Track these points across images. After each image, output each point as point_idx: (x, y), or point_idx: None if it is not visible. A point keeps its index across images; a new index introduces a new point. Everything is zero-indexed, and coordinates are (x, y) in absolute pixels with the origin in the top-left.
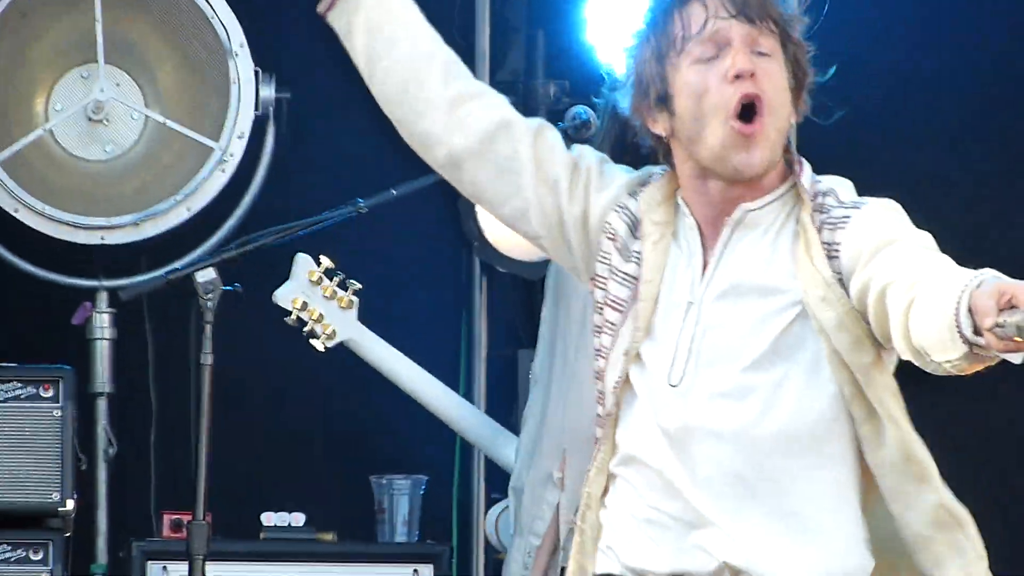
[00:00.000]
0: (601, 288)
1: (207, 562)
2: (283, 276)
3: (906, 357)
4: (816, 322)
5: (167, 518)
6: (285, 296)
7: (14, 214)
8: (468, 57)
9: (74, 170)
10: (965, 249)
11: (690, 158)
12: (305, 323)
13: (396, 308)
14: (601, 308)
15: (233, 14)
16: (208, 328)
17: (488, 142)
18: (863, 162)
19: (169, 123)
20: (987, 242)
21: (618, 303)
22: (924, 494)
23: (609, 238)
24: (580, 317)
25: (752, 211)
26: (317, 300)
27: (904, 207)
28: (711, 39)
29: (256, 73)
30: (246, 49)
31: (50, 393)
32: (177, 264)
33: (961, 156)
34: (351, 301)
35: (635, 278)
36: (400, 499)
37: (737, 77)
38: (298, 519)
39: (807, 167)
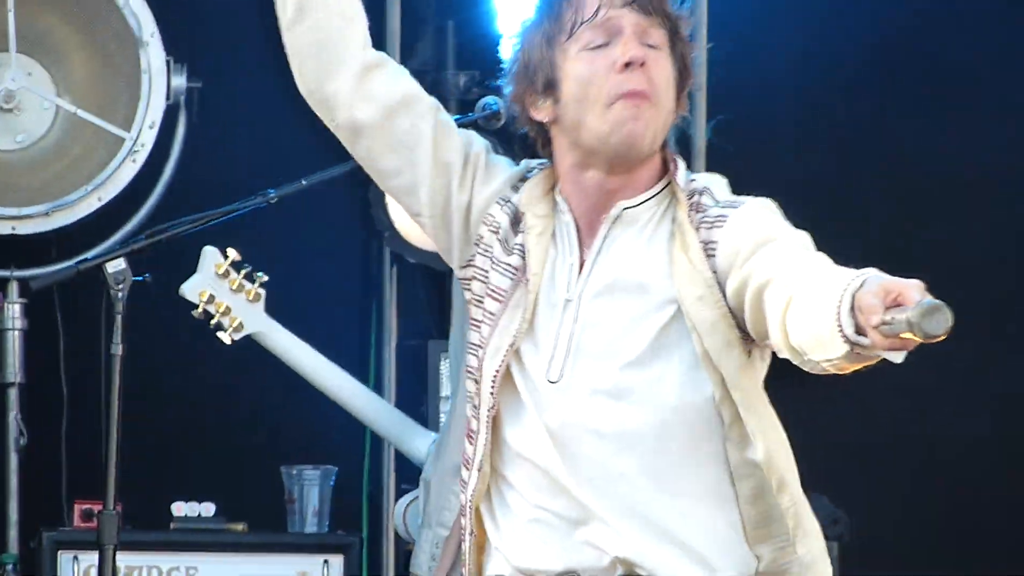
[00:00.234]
0: (481, 280)
1: (118, 552)
2: (193, 266)
3: (784, 355)
4: (689, 321)
5: (78, 508)
6: (192, 289)
7: None
8: (378, 46)
9: None
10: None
11: (572, 147)
12: (212, 316)
13: (306, 298)
14: (481, 300)
15: (144, 3)
16: (119, 318)
17: (391, 115)
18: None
19: (80, 113)
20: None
21: (498, 293)
22: (780, 500)
23: (492, 231)
24: None
25: (629, 208)
26: (224, 293)
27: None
28: (602, 26)
29: (167, 62)
30: (157, 38)
31: None
32: (88, 254)
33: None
34: (258, 294)
35: (517, 269)
36: (310, 489)
37: (627, 65)
38: (208, 509)
39: (682, 165)
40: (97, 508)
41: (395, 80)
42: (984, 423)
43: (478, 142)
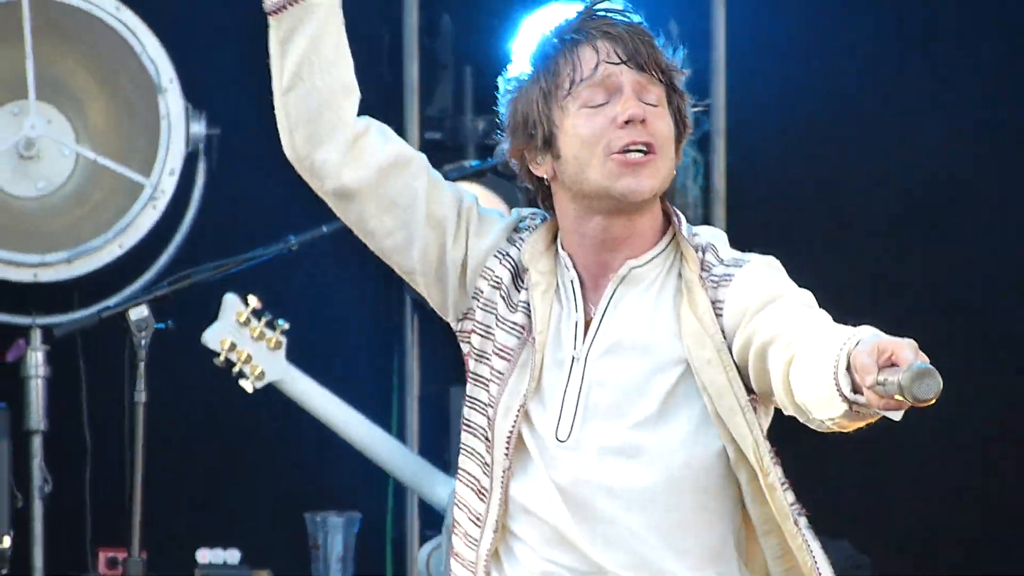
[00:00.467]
0: (483, 335)
1: None
2: (215, 313)
3: (788, 413)
4: (699, 381)
5: (103, 555)
6: (213, 337)
7: None
8: (397, 92)
9: (6, 207)
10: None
11: (573, 199)
12: (234, 364)
13: (328, 345)
14: (488, 357)
15: (163, 50)
16: (141, 365)
17: (384, 177)
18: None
19: (100, 159)
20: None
21: (506, 352)
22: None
23: (493, 286)
24: None
25: (637, 267)
26: (245, 341)
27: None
28: (601, 84)
29: (186, 109)
30: (176, 85)
31: None
32: (110, 301)
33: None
34: (279, 341)
35: (523, 327)
36: (335, 536)
37: (627, 123)
38: (233, 556)
39: (684, 220)
40: (122, 556)
41: (383, 143)
42: (1009, 466)
43: (468, 196)
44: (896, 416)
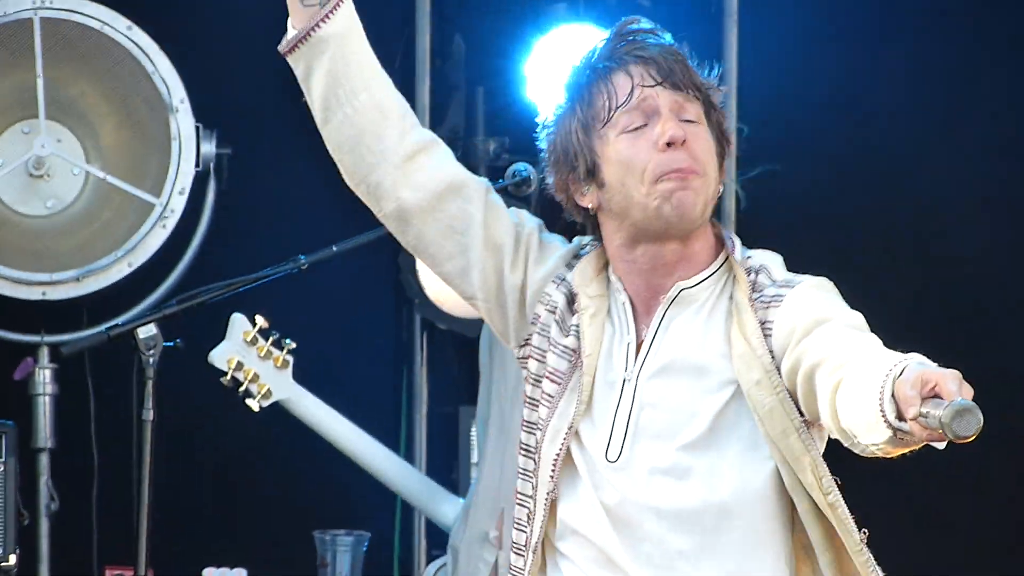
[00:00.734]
0: (539, 360)
1: None
2: (224, 332)
3: (834, 436)
4: (750, 403)
5: (109, 573)
6: (220, 356)
7: None
8: None
9: (15, 225)
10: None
11: (620, 227)
12: (240, 383)
13: (338, 364)
14: (539, 380)
15: (174, 70)
16: (150, 384)
17: (439, 201)
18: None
19: (110, 179)
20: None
21: (556, 375)
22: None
23: (549, 310)
24: (515, 375)
25: (687, 289)
26: (252, 360)
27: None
28: (638, 108)
29: (197, 129)
30: (187, 105)
31: None
32: (118, 320)
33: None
34: (286, 361)
35: (573, 350)
36: (343, 555)
37: (668, 145)
38: (240, 575)
39: (738, 242)
40: (128, 574)
41: (440, 166)
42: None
43: (530, 222)
44: (941, 445)
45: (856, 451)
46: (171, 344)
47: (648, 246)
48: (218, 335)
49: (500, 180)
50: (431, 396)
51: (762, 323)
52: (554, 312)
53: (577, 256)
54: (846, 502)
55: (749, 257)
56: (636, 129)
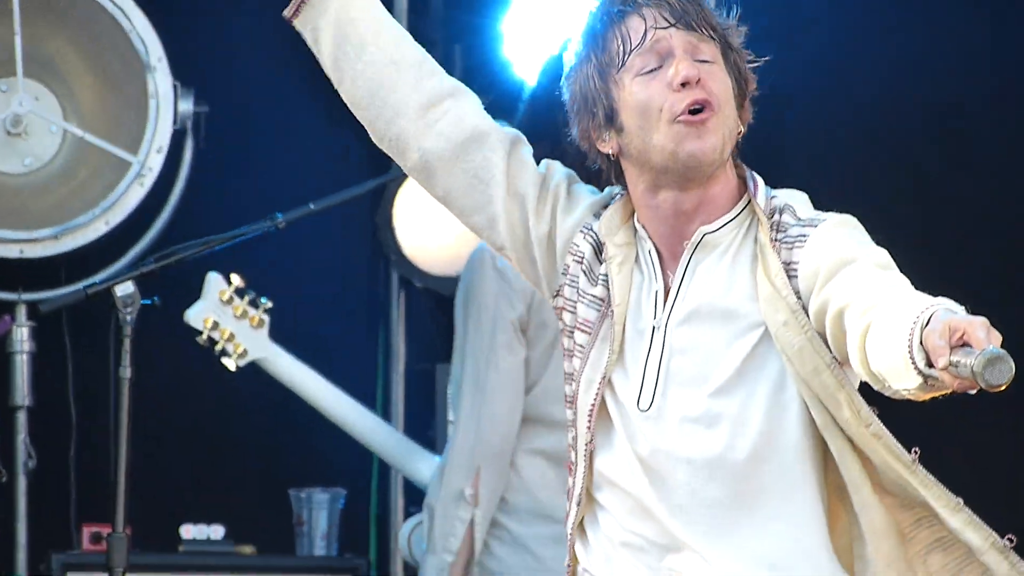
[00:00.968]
0: (570, 312)
1: (127, 574)
2: (201, 290)
3: (864, 379)
4: (779, 344)
5: (87, 531)
6: (196, 316)
7: None
8: None
9: None
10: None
11: (642, 172)
12: (216, 342)
13: (314, 322)
14: (572, 332)
15: (152, 28)
16: (127, 341)
17: (461, 151)
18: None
19: (88, 137)
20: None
21: (586, 325)
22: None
23: (576, 260)
24: (490, 331)
25: (710, 233)
26: (228, 319)
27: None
28: (652, 50)
29: (175, 87)
30: (164, 63)
31: None
32: (96, 277)
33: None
34: (262, 320)
35: (602, 300)
36: (319, 512)
37: (683, 85)
38: (217, 532)
39: (761, 183)
40: (106, 531)
41: (463, 115)
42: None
43: (559, 172)
44: (972, 391)
45: (887, 394)
46: (148, 302)
47: (669, 192)
48: (196, 293)
49: None
50: (408, 354)
51: (786, 264)
52: (581, 262)
53: (606, 205)
54: None
55: (773, 197)
56: (650, 71)
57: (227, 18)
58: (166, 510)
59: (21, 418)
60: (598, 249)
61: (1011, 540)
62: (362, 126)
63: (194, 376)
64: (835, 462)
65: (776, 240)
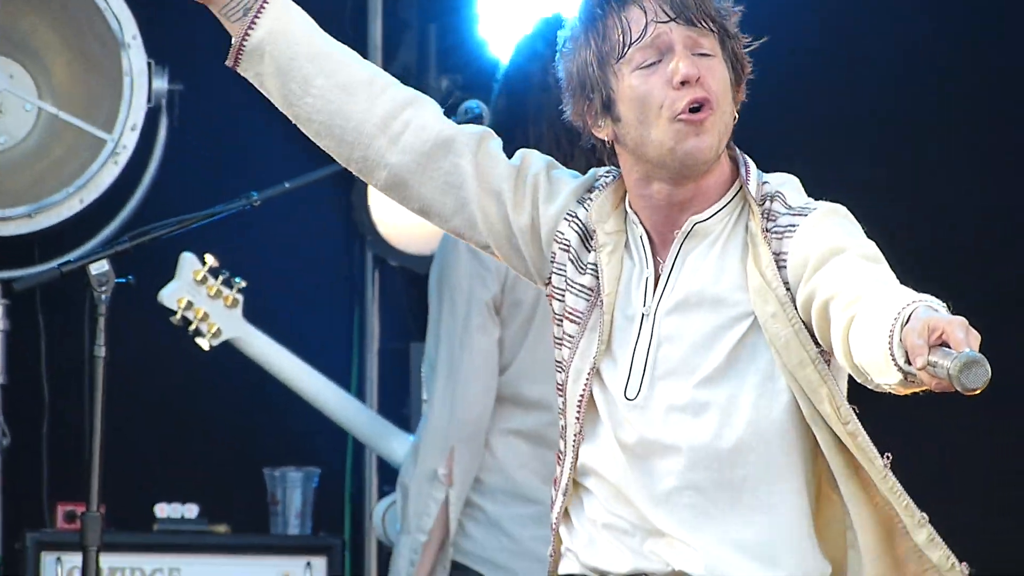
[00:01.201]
0: (559, 300)
1: (101, 553)
2: (176, 269)
3: (847, 371)
4: (768, 335)
5: (61, 509)
6: (170, 296)
7: None
8: (361, 51)
9: None
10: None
11: (637, 163)
12: (190, 322)
13: (288, 301)
14: (560, 320)
15: (126, 6)
16: (101, 320)
17: (429, 160)
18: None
19: (62, 115)
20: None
21: (575, 315)
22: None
23: (563, 249)
24: (464, 312)
25: (700, 222)
26: (202, 299)
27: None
28: (652, 45)
29: (149, 65)
30: (139, 41)
31: None
32: (70, 256)
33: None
34: (236, 299)
35: (591, 289)
36: (293, 491)
37: (683, 83)
38: (191, 510)
39: (753, 168)
40: (80, 509)
41: (424, 125)
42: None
43: (536, 163)
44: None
45: (869, 387)
46: (123, 280)
47: (663, 184)
48: (169, 272)
49: (453, 117)
50: (382, 333)
51: (776, 254)
52: (568, 250)
53: (591, 189)
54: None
55: (765, 183)
56: (650, 65)
57: None
58: (140, 489)
59: None
60: (585, 236)
61: (968, 567)
62: None
63: (168, 355)
64: (823, 454)
65: (767, 230)
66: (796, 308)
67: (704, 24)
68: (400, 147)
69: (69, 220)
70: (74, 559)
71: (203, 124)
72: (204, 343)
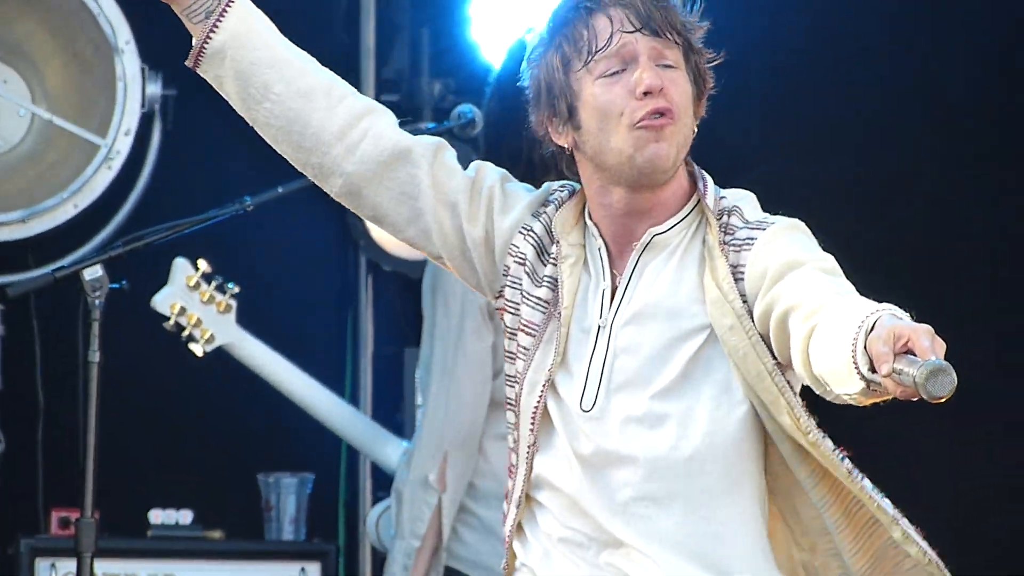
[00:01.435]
0: (512, 313)
1: (95, 559)
2: (169, 274)
3: (806, 383)
4: (726, 348)
5: (55, 515)
6: (163, 302)
7: None
8: (353, 55)
9: None
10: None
11: (596, 171)
12: (184, 328)
13: (283, 305)
14: (514, 333)
15: (120, 11)
16: (95, 325)
17: (385, 169)
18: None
19: (56, 120)
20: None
21: (531, 327)
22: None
23: (518, 262)
24: (458, 317)
25: (659, 234)
26: (195, 305)
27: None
28: (617, 54)
29: (143, 70)
30: (132, 46)
31: None
32: (64, 261)
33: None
34: (229, 305)
35: (547, 302)
36: (287, 497)
37: (646, 94)
38: (186, 517)
39: (710, 183)
40: (74, 515)
41: (381, 134)
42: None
43: (491, 175)
44: (914, 399)
45: (828, 399)
46: (117, 286)
47: (621, 191)
48: (164, 277)
49: (445, 122)
50: (376, 338)
51: (733, 267)
52: (524, 263)
53: (545, 203)
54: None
55: (722, 198)
56: (614, 74)
57: None
58: (135, 495)
59: None
60: (541, 250)
61: (943, 556)
62: None
63: (162, 361)
64: (780, 464)
65: (724, 243)
66: (753, 320)
67: (669, 36)
68: (357, 156)
69: (63, 225)
70: (68, 565)
71: (197, 129)
72: (198, 349)
